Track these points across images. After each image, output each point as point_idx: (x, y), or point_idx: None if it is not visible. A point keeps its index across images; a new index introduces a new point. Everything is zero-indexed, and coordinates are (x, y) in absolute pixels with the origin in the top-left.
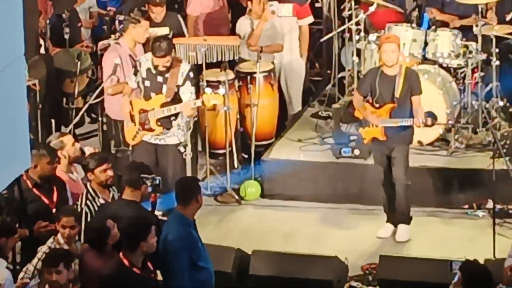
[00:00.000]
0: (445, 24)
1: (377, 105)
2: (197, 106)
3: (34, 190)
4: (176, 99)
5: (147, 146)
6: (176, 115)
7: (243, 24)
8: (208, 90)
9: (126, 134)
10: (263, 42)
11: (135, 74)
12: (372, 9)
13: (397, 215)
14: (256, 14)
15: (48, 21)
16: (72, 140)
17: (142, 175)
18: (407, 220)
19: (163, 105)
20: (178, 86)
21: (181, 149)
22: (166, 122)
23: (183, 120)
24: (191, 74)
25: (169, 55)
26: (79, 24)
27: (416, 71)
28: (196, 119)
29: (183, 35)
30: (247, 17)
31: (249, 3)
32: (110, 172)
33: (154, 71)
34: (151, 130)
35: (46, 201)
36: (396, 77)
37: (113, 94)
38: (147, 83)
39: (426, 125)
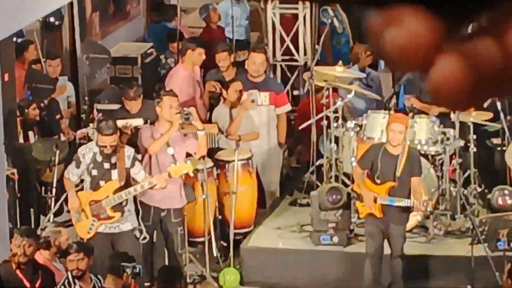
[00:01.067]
0: (423, 112)
1: (378, 181)
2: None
3: (18, 272)
4: (129, 182)
5: (102, 237)
6: (126, 200)
7: (220, 113)
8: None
9: (78, 230)
10: (240, 131)
11: (78, 166)
12: (349, 96)
13: None
14: (233, 103)
15: (38, 111)
16: (68, 235)
17: (122, 263)
18: None
19: (116, 191)
20: (127, 169)
21: (137, 233)
22: (119, 208)
23: (132, 205)
24: (138, 156)
25: (115, 134)
26: (58, 116)
27: (418, 153)
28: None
29: None
30: (223, 106)
31: (224, 91)
32: (74, 264)
33: (100, 159)
34: (109, 218)
35: (28, 285)
36: (399, 156)
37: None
38: (94, 172)
39: (425, 210)
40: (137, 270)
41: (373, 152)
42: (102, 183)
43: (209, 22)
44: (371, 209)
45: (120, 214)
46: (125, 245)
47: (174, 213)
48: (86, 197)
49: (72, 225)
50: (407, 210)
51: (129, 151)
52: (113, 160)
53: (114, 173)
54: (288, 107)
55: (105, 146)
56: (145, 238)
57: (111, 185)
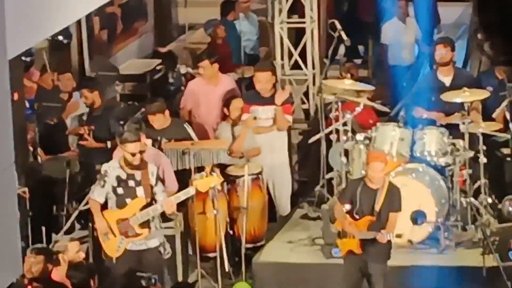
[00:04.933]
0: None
1: (357, 217)
2: (190, 196)
3: None
4: (155, 198)
5: (130, 254)
6: (153, 216)
7: (224, 131)
8: (197, 176)
9: (107, 249)
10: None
11: (102, 186)
12: (358, 109)
13: None
14: (234, 120)
15: (36, 130)
16: (77, 248)
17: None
18: None
19: (143, 208)
20: (151, 186)
21: (162, 250)
22: (147, 225)
23: (159, 221)
24: (160, 174)
25: (140, 140)
26: (66, 132)
27: (398, 188)
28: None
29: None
30: (226, 123)
31: (225, 109)
32: None
33: (124, 176)
34: (137, 235)
35: None
36: (378, 190)
37: None
38: (120, 190)
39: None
40: (153, 281)
41: (352, 186)
42: (128, 200)
43: (215, 37)
44: (352, 244)
45: (147, 231)
46: (151, 261)
47: None
48: (112, 216)
49: (81, 243)
50: (388, 247)
51: (152, 168)
52: (138, 177)
53: (140, 190)
54: (289, 117)
55: (134, 155)
56: (168, 253)
57: (139, 202)
